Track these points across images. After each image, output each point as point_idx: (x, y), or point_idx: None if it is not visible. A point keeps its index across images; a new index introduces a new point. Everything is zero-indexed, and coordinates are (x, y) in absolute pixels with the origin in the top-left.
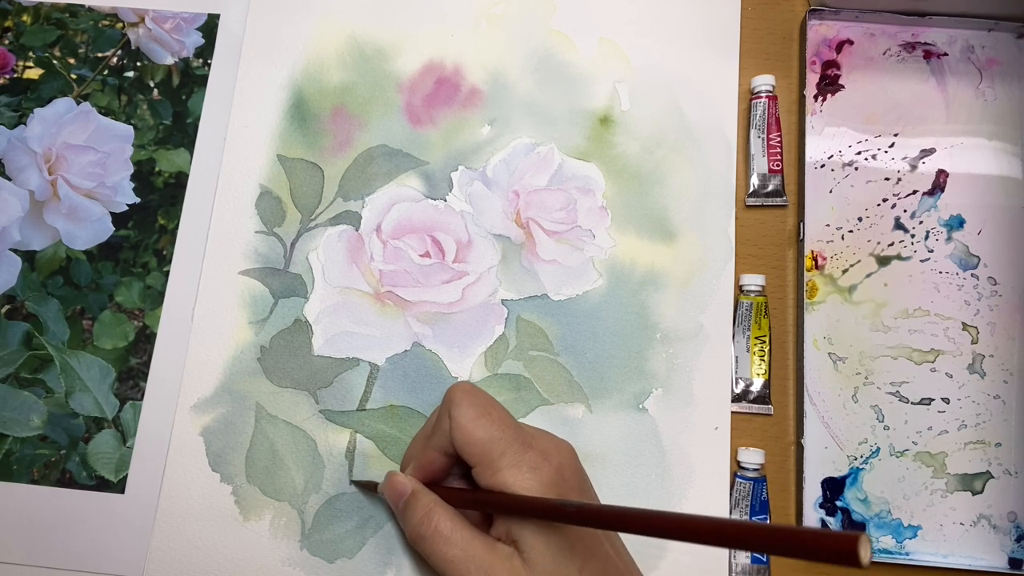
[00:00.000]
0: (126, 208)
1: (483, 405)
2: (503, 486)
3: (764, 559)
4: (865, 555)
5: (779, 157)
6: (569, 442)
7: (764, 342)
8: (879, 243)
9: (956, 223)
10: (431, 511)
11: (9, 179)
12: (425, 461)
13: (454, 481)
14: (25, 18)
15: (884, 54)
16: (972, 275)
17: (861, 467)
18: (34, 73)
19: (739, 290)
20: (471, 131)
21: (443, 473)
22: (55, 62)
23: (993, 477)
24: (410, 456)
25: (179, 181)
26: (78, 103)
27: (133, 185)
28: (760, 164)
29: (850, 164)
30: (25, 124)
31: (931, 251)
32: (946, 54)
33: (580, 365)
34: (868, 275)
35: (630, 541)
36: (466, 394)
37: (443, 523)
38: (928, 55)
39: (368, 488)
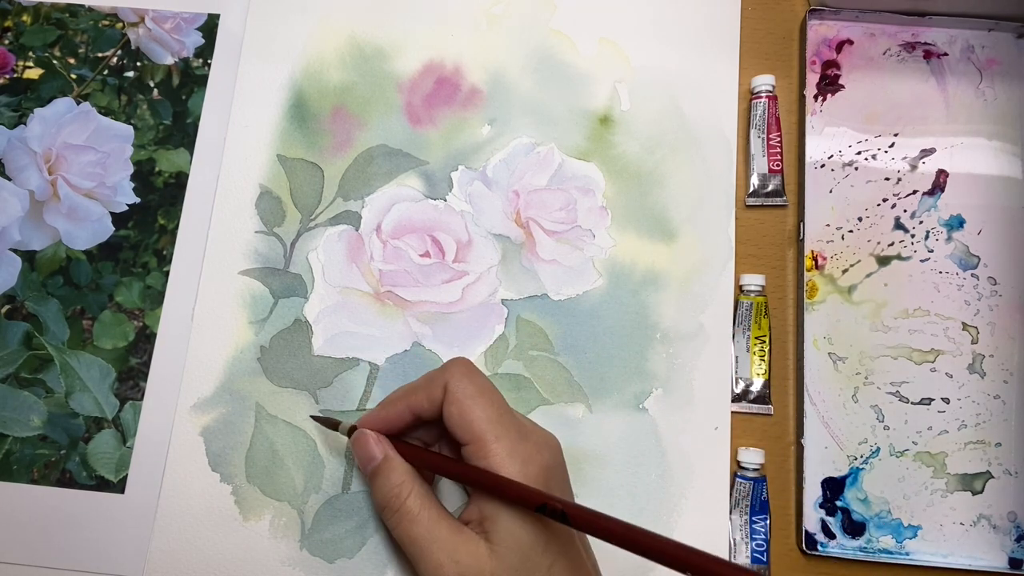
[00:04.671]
0: (126, 208)
1: (483, 385)
2: (494, 470)
3: (765, 561)
4: None
5: (779, 157)
6: (556, 437)
7: (764, 342)
8: (879, 243)
9: (956, 223)
10: (403, 485)
11: (9, 179)
12: (391, 413)
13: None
14: (25, 18)
15: (884, 54)
16: (972, 275)
17: (861, 467)
18: (34, 73)
19: (739, 290)
20: (471, 131)
21: (399, 433)
22: (55, 62)
23: (993, 477)
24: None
25: (179, 181)
26: (78, 103)
27: (133, 185)
28: (760, 164)
29: (850, 164)
30: (25, 124)
31: (931, 251)
32: (946, 54)
33: (580, 365)
34: (868, 275)
35: None
36: (467, 370)
37: (413, 501)
38: (928, 55)
39: (327, 425)
